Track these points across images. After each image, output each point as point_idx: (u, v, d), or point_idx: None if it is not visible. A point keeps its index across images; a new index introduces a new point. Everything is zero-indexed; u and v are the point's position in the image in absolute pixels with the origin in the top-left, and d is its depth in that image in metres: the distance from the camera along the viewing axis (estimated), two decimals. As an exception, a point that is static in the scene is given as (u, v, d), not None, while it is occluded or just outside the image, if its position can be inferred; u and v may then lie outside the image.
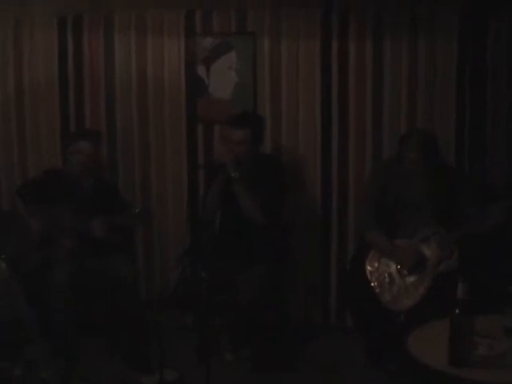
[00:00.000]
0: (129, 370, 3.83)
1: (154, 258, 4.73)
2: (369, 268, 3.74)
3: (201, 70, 4.55)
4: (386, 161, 4.24)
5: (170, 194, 4.66)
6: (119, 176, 4.65)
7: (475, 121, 4.40)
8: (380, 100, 4.44)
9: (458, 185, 3.80)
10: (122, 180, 4.63)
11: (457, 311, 2.59)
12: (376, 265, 3.74)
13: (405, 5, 4.34)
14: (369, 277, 3.72)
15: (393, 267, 3.70)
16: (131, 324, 3.90)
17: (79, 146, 4.04)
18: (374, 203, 3.84)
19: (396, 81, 4.41)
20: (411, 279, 3.67)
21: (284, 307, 4.23)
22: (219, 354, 4.07)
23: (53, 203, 3.95)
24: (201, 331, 3.97)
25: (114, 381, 3.76)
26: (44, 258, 3.89)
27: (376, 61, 4.41)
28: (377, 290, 3.68)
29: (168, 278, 4.59)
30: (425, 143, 3.72)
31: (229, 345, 4.13)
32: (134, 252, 4.66)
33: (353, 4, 4.37)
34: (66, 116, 4.64)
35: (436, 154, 3.76)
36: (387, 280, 3.69)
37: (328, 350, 4.23)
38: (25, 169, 4.68)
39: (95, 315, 4.07)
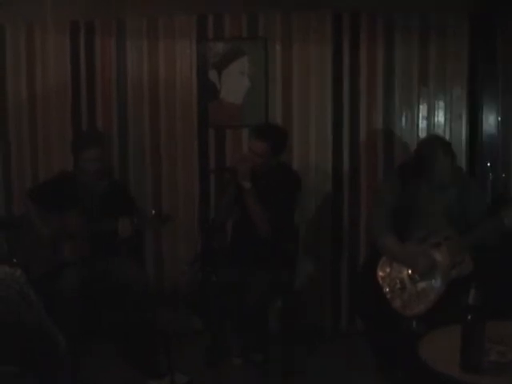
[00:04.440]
0: (137, 375, 3.82)
1: (164, 261, 4.74)
2: (380, 273, 3.71)
3: (212, 75, 4.56)
4: (400, 166, 4.21)
5: (181, 198, 4.66)
6: (130, 180, 4.66)
7: (487, 124, 4.39)
8: (392, 103, 4.45)
9: (470, 189, 3.77)
10: (133, 184, 4.64)
11: (469, 317, 2.56)
12: (388, 270, 3.71)
13: (415, 7, 4.33)
14: (380, 282, 3.69)
15: (404, 273, 3.67)
16: (140, 328, 3.88)
17: (92, 154, 3.97)
18: (387, 208, 3.80)
19: (407, 84, 4.41)
20: (422, 285, 3.63)
21: (294, 311, 4.21)
22: (228, 358, 4.06)
23: (64, 206, 3.95)
24: (210, 335, 3.96)
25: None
26: (55, 262, 3.89)
27: (387, 64, 4.41)
28: (388, 296, 3.65)
29: (178, 282, 4.58)
30: (450, 148, 3.72)
31: (237, 349, 4.12)
32: (144, 256, 4.66)
33: (363, 7, 4.37)
34: (77, 120, 4.66)
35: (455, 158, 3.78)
36: (398, 286, 3.66)
37: (337, 356, 4.21)
38: (36, 173, 4.70)
39: (104, 319, 4.06)
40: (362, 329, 4.26)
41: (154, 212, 4.04)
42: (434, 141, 3.86)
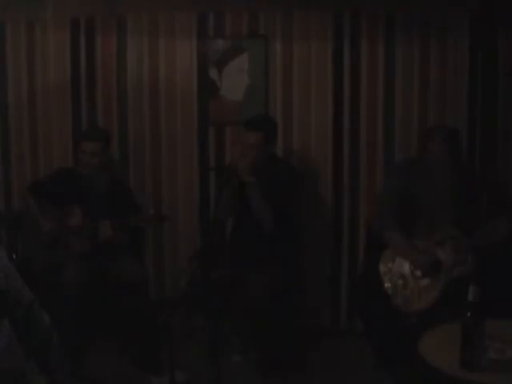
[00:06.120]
0: (138, 372, 3.82)
1: (164, 259, 4.73)
2: (382, 268, 3.71)
3: (213, 73, 4.55)
4: (405, 159, 4.21)
5: (181, 196, 4.66)
6: (130, 178, 4.66)
7: (487, 122, 4.39)
8: (392, 101, 4.45)
9: (478, 190, 3.76)
10: (133, 182, 4.63)
11: (469, 314, 2.56)
12: (390, 265, 3.70)
13: (416, 5, 4.32)
14: (382, 277, 3.69)
15: (406, 268, 3.67)
16: (141, 326, 3.88)
17: (89, 147, 4.00)
18: (394, 201, 3.79)
19: (408, 82, 4.41)
20: (424, 282, 3.63)
21: (293, 310, 4.21)
22: (229, 355, 4.06)
23: (65, 202, 3.94)
24: (211, 332, 3.96)
25: (122, 382, 3.76)
26: (55, 257, 3.88)
27: (388, 62, 4.41)
28: (389, 292, 3.64)
29: (179, 280, 4.58)
30: (451, 136, 3.71)
31: (237, 346, 4.12)
32: (144, 254, 4.65)
33: (364, 5, 4.37)
34: (78, 118, 4.65)
35: (460, 150, 3.77)
36: (400, 282, 3.66)
37: (337, 353, 4.22)
38: (36, 170, 4.69)
39: (105, 317, 4.06)
40: (361, 327, 4.27)
41: (152, 212, 4.05)
42: (439, 132, 3.82)
